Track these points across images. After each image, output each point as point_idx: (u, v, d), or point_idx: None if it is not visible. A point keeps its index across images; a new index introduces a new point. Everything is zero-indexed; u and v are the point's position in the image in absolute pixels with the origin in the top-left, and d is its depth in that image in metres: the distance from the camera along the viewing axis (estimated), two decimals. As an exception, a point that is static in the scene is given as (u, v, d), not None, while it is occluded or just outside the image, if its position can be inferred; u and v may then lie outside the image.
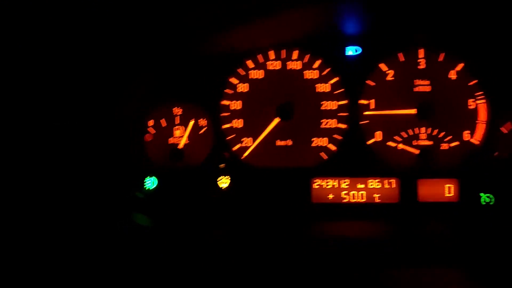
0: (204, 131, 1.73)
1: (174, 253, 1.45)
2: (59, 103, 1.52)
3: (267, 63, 1.73)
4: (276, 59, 1.73)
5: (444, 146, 1.68)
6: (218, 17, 1.51)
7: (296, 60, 1.72)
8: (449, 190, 1.65)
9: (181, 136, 1.72)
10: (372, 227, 1.59)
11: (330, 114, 1.71)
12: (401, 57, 1.71)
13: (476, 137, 1.67)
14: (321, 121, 1.71)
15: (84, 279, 1.38)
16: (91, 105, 1.59)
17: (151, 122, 1.74)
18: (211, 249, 1.46)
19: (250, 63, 1.73)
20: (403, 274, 1.33)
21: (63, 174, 1.52)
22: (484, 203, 1.62)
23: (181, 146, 1.72)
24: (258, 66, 1.73)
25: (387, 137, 1.69)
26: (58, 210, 1.47)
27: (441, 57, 1.70)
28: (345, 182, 1.67)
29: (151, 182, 1.71)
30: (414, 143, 1.68)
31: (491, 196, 1.62)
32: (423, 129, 1.68)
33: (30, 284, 1.34)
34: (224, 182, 1.70)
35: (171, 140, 1.73)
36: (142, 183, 1.71)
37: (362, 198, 1.66)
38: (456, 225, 1.59)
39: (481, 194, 1.63)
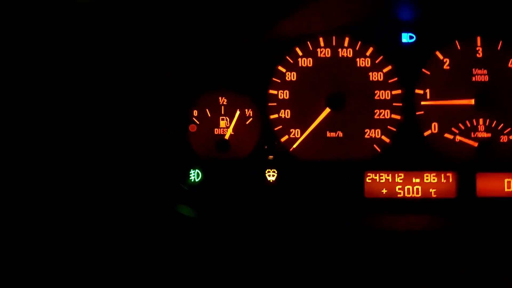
0: (251, 122, 1.66)
1: (220, 245, 1.40)
2: (105, 91, 1.47)
3: (317, 50, 1.65)
4: (326, 47, 1.65)
5: (504, 139, 1.60)
6: (268, 2, 1.44)
7: (347, 47, 1.64)
8: (508, 184, 1.57)
9: (227, 127, 1.65)
10: (429, 222, 1.52)
11: (384, 104, 1.63)
12: (458, 45, 1.62)
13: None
14: (374, 111, 1.63)
15: (127, 269, 1.34)
16: (136, 96, 1.54)
17: (195, 112, 1.67)
18: (258, 244, 1.41)
19: (299, 51, 1.65)
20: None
21: (109, 166, 1.48)
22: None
23: (227, 137, 1.65)
24: (308, 53, 1.65)
25: (444, 128, 1.62)
26: (106, 200, 1.43)
27: (500, 45, 1.61)
28: (399, 176, 1.59)
29: (195, 174, 1.65)
30: (472, 135, 1.61)
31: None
32: (481, 121, 1.60)
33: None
34: (272, 175, 1.63)
35: (216, 131, 1.66)
36: (187, 175, 1.64)
37: (417, 193, 1.58)
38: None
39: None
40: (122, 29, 1.46)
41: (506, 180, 1.57)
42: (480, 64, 1.61)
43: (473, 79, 1.61)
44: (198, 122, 1.67)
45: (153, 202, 1.52)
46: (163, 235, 1.43)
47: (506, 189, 1.57)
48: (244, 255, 1.39)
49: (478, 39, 1.63)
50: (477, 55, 1.62)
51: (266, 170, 1.64)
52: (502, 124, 1.60)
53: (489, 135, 1.60)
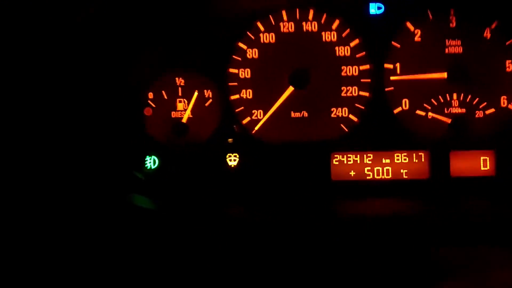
0: (210, 103, 1.55)
1: (179, 237, 1.30)
2: (55, 73, 1.35)
3: (280, 25, 1.54)
4: (289, 21, 1.53)
5: (479, 114, 1.49)
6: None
7: (312, 20, 1.53)
8: (484, 163, 1.48)
9: (185, 109, 1.55)
10: (400, 205, 1.43)
11: (351, 80, 1.53)
12: (430, 14, 1.51)
13: (514, 102, 1.49)
14: (341, 89, 1.53)
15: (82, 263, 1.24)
16: (85, 77, 1.42)
17: (150, 95, 1.55)
18: (221, 233, 1.31)
19: (260, 26, 1.54)
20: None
21: (57, 154, 1.36)
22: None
23: (184, 120, 1.54)
24: (269, 28, 1.54)
25: (415, 105, 1.52)
26: (54, 191, 1.32)
27: (474, 14, 1.50)
28: (368, 157, 1.49)
29: (152, 161, 1.54)
30: (445, 111, 1.50)
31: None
32: (455, 95, 1.50)
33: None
34: (233, 159, 1.53)
35: (173, 114, 1.56)
36: (142, 162, 1.54)
37: (387, 175, 1.49)
38: (494, 201, 1.43)
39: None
40: (73, 10, 1.34)
41: (481, 158, 1.48)
42: (453, 34, 1.51)
43: (446, 51, 1.50)
44: (153, 105, 1.56)
45: (106, 192, 1.41)
46: (118, 229, 1.32)
47: (482, 168, 1.47)
48: (206, 247, 1.29)
49: (451, 9, 1.51)
50: (450, 25, 1.51)
51: (227, 154, 1.53)
52: (477, 99, 1.50)
53: (463, 110, 1.50)
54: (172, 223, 1.35)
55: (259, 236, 1.30)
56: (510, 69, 1.49)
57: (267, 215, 1.36)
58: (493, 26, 1.50)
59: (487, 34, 1.50)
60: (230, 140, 1.53)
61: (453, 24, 1.51)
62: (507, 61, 1.49)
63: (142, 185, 1.52)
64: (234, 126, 1.53)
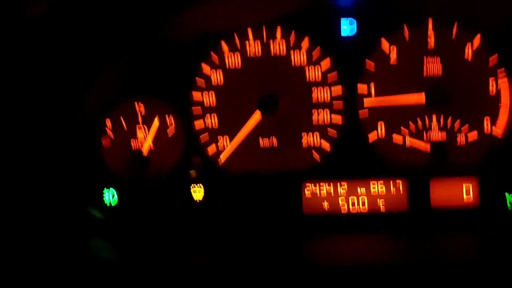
0: (172, 132, 1.45)
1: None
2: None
3: (245, 45, 1.43)
4: (255, 39, 1.42)
5: (461, 141, 1.39)
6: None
7: (280, 40, 1.42)
8: (467, 192, 1.38)
9: (145, 138, 1.43)
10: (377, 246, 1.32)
11: (323, 104, 1.42)
12: (406, 30, 1.39)
13: (498, 125, 1.38)
14: (312, 114, 1.42)
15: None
16: (37, 106, 1.31)
17: (108, 123, 1.45)
18: (187, 274, 1.20)
19: (224, 47, 1.42)
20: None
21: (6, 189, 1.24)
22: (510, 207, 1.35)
23: (145, 152, 1.43)
24: (235, 50, 1.44)
25: (392, 132, 1.41)
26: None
27: (454, 29, 1.38)
28: (342, 187, 1.39)
29: (110, 196, 1.43)
30: (425, 137, 1.40)
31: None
32: (434, 120, 1.40)
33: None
34: (198, 192, 1.42)
35: (133, 144, 1.46)
36: (100, 198, 1.42)
37: (363, 206, 1.38)
38: (478, 235, 1.33)
39: (507, 195, 1.35)
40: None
41: (464, 187, 1.38)
42: (431, 52, 1.40)
43: (424, 70, 1.39)
44: (112, 134, 1.46)
45: (61, 235, 1.30)
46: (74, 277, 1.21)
47: (464, 198, 1.37)
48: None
49: (429, 23, 1.39)
50: (428, 41, 1.39)
51: (191, 186, 1.42)
52: (457, 123, 1.39)
53: (443, 136, 1.39)
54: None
55: (226, 276, 1.20)
56: (492, 88, 1.38)
57: (232, 261, 1.25)
58: (475, 41, 1.38)
59: (468, 50, 1.39)
60: (193, 172, 1.42)
61: (431, 41, 1.39)
62: (489, 79, 1.38)
63: (100, 224, 1.41)
64: (194, 158, 1.42)
